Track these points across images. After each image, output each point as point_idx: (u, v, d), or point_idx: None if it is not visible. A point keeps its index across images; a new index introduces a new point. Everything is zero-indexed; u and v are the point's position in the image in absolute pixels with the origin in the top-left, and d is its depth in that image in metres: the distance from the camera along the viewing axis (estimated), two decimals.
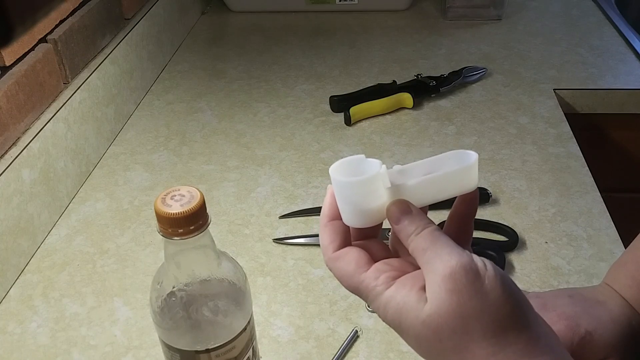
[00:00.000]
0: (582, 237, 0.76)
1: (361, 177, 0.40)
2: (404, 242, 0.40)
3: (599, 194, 0.83)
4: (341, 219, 0.42)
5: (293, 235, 0.79)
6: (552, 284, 0.70)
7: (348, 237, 0.43)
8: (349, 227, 0.43)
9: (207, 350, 0.49)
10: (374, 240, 0.44)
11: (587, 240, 0.76)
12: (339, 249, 0.42)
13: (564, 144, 0.93)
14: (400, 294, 0.38)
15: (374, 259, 0.41)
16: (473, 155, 0.41)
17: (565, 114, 1.01)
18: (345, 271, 0.41)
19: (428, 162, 0.42)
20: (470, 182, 0.41)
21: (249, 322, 0.52)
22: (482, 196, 0.82)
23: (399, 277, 0.39)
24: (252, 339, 0.53)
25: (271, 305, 0.70)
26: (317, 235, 0.78)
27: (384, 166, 0.40)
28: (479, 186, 0.86)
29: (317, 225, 0.80)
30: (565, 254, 0.74)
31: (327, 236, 0.42)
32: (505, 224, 0.78)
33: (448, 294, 0.36)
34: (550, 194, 0.84)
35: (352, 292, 0.41)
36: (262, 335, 0.66)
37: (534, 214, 0.80)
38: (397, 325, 0.39)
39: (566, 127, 0.97)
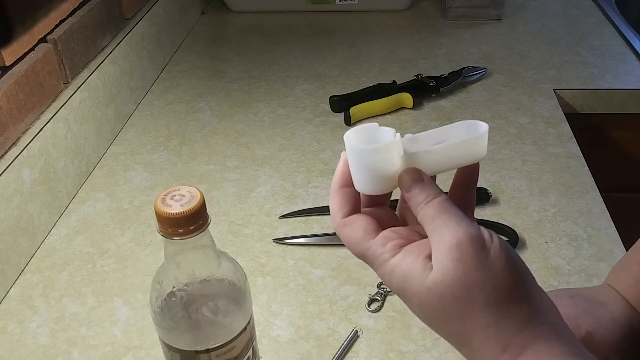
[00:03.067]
0: (582, 237, 0.76)
1: (377, 144, 0.40)
2: (413, 210, 0.40)
3: (599, 194, 0.83)
4: (352, 186, 0.42)
5: (293, 235, 0.79)
6: (552, 284, 0.70)
7: (357, 204, 0.43)
8: (359, 194, 0.43)
9: (207, 350, 0.49)
10: (383, 208, 0.45)
11: (587, 240, 0.76)
12: (348, 216, 0.42)
13: (564, 144, 0.93)
14: (406, 261, 0.39)
15: (382, 226, 0.42)
16: (483, 126, 0.41)
17: (565, 114, 1.01)
18: (352, 237, 0.41)
19: (438, 132, 0.42)
20: (480, 151, 0.41)
21: (249, 322, 0.52)
22: (482, 196, 0.82)
23: (406, 245, 0.40)
24: (252, 339, 0.53)
25: (271, 305, 0.70)
26: (317, 235, 0.78)
27: (398, 134, 0.41)
28: (479, 186, 0.86)
29: (317, 225, 0.80)
30: (565, 254, 0.74)
31: (337, 202, 0.43)
32: (505, 224, 0.78)
33: (454, 263, 0.37)
34: (550, 194, 0.84)
35: (359, 258, 0.42)
36: (262, 335, 0.66)
37: (534, 214, 0.80)
38: (402, 292, 0.40)
39: (566, 127, 0.97)
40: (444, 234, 0.38)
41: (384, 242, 0.40)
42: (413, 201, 0.40)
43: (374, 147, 0.40)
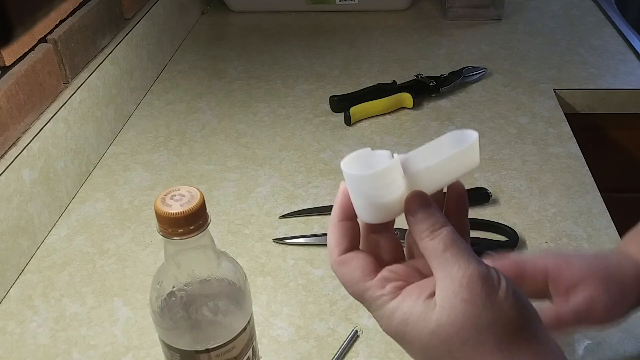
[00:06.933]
0: (582, 237, 0.76)
1: (376, 169, 0.38)
2: (415, 237, 0.38)
3: (599, 194, 0.83)
4: (351, 219, 0.41)
5: (293, 235, 0.79)
6: None
7: (356, 239, 0.41)
8: (358, 229, 0.41)
9: (207, 350, 0.49)
10: (385, 237, 0.42)
11: (587, 240, 0.76)
12: (346, 253, 0.40)
13: (564, 144, 0.93)
14: (406, 304, 0.37)
15: (381, 260, 0.41)
16: (473, 134, 0.40)
17: (565, 114, 1.01)
18: (350, 277, 0.40)
19: (428, 148, 0.40)
20: (474, 160, 0.40)
21: (249, 322, 0.52)
22: (482, 196, 0.82)
23: (405, 287, 0.39)
24: (252, 339, 0.53)
25: (271, 305, 0.70)
26: (317, 235, 0.78)
27: (395, 155, 0.39)
28: (480, 186, 0.86)
29: (317, 225, 0.80)
30: None
31: (335, 238, 0.41)
32: (505, 224, 0.78)
33: (463, 304, 0.36)
34: (550, 194, 0.84)
35: (355, 298, 0.40)
36: (262, 335, 0.66)
37: (534, 214, 0.80)
38: (402, 335, 0.38)
39: (566, 127, 0.97)
40: (454, 271, 0.36)
41: (382, 284, 0.39)
42: (417, 227, 0.38)
43: (374, 172, 0.38)
